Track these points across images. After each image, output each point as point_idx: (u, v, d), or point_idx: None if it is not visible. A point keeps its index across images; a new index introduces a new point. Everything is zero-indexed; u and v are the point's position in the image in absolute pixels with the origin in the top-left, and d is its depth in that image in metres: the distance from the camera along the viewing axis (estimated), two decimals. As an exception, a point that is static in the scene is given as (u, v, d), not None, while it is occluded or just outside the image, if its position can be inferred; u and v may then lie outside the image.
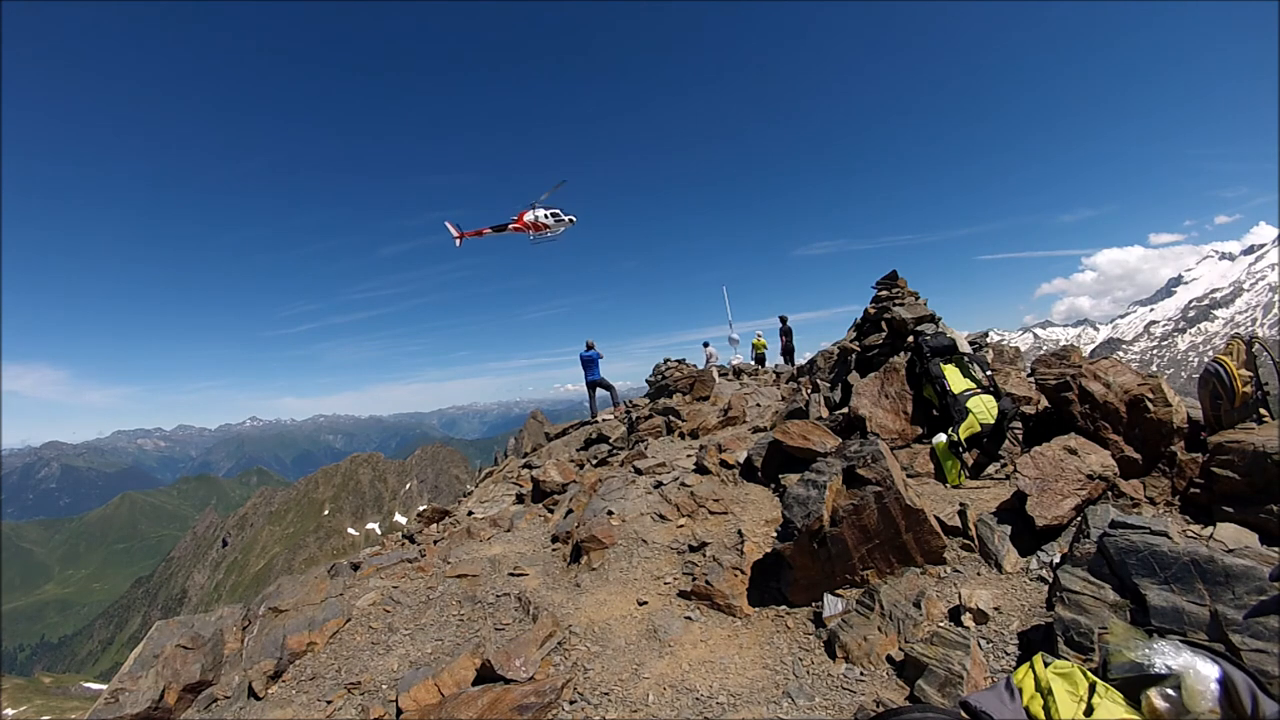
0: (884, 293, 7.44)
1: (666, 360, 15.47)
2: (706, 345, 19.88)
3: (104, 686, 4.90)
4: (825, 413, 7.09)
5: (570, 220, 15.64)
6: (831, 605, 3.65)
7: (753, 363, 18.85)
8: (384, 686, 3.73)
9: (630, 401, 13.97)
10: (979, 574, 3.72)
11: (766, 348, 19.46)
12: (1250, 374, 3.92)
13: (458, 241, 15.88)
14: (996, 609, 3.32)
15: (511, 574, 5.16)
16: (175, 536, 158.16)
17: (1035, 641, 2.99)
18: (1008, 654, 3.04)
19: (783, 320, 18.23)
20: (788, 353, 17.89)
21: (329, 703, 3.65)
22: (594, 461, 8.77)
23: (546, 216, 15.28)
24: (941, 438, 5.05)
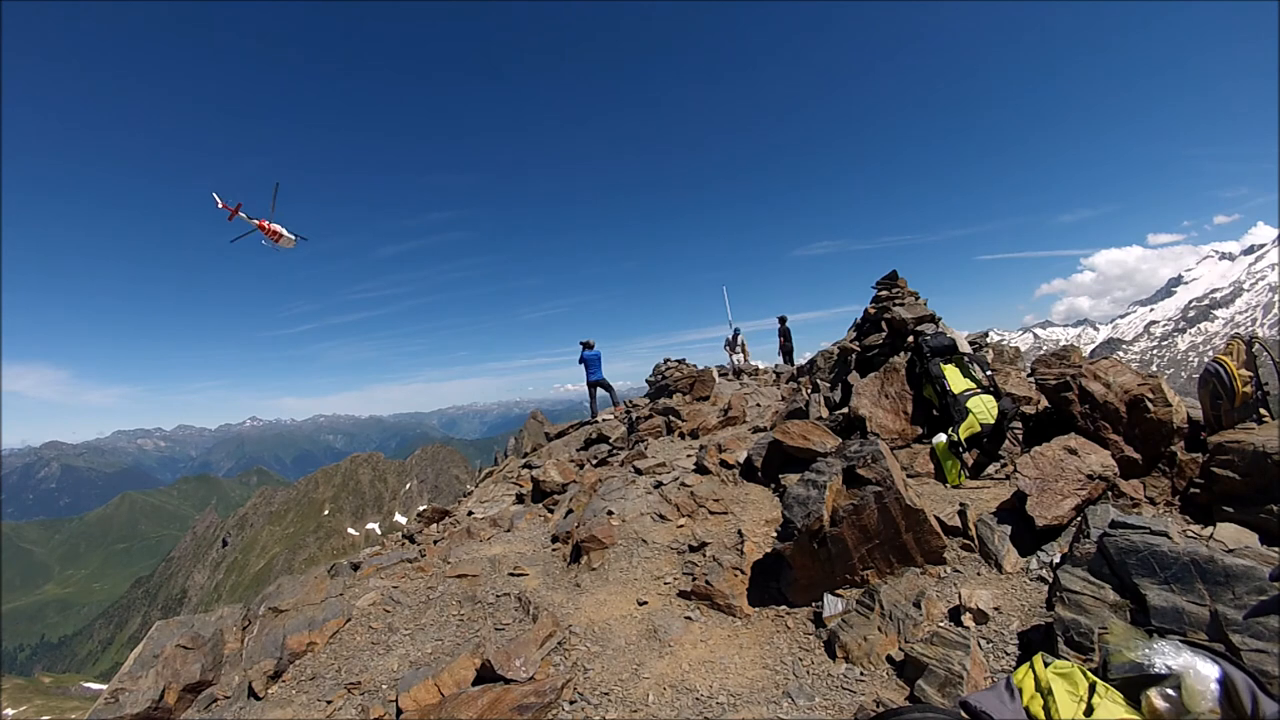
0: (884, 293, 7.44)
1: (666, 360, 15.45)
2: (739, 334, 18.89)
3: (104, 686, 4.90)
4: (825, 413, 7.08)
5: (295, 238, 17.38)
6: (831, 605, 3.65)
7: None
8: (384, 686, 3.72)
9: (630, 401, 13.97)
10: (979, 574, 3.72)
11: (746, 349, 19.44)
12: (1250, 374, 3.91)
13: (219, 204, 16.47)
14: (996, 609, 3.32)
15: (511, 574, 5.16)
16: (175, 536, 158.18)
17: (1035, 641, 2.99)
18: (1008, 654, 3.04)
19: (781, 320, 18.22)
20: (787, 353, 17.89)
21: (329, 703, 3.65)
22: (594, 461, 8.76)
23: (283, 230, 17.07)
24: (941, 438, 5.05)
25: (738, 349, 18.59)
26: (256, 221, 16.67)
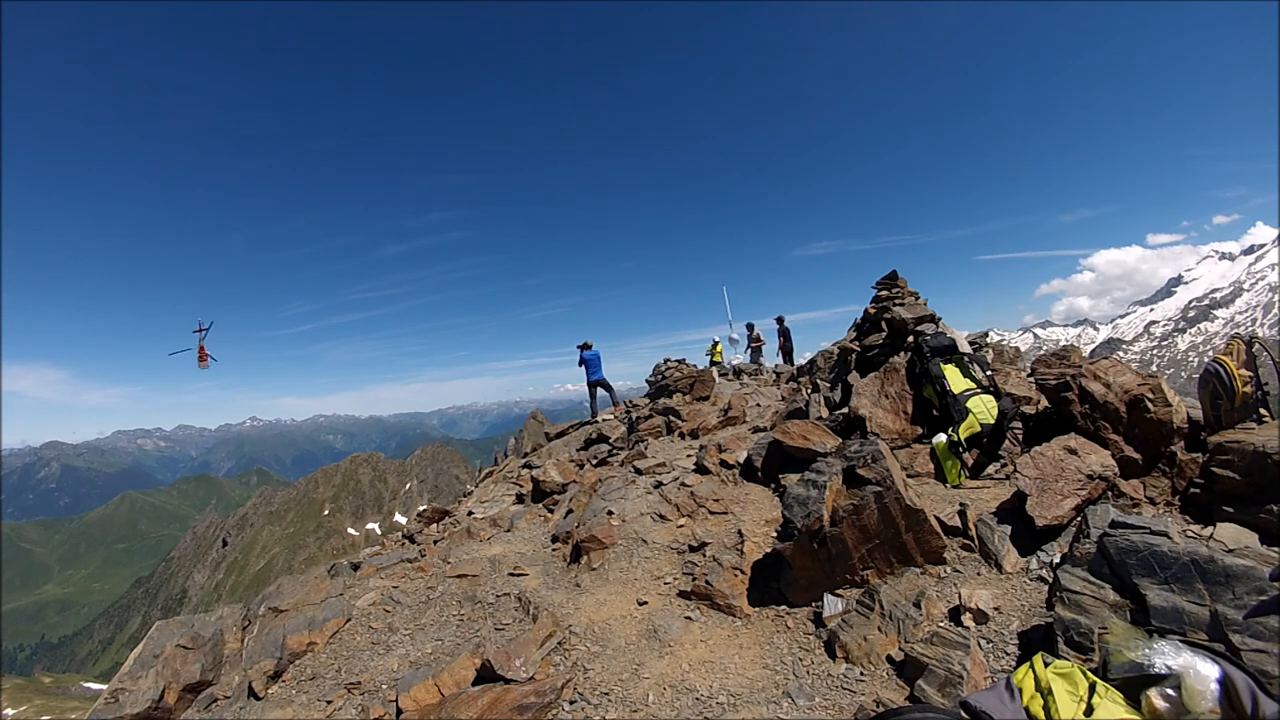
0: (884, 293, 7.44)
1: (666, 360, 15.45)
2: (752, 327, 18.84)
3: (104, 686, 4.90)
4: (825, 413, 7.08)
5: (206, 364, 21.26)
6: (831, 605, 3.65)
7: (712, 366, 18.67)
8: (384, 686, 3.72)
9: (630, 401, 13.97)
10: (979, 574, 3.72)
11: (721, 355, 19.55)
12: (1250, 374, 3.91)
13: (199, 325, 20.45)
14: (996, 609, 3.32)
15: (511, 574, 5.16)
16: (175, 536, 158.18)
17: (1035, 641, 2.99)
18: (1008, 654, 3.04)
19: (780, 321, 18.23)
20: (787, 353, 17.90)
21: (329, 703, 3.65)
22: (594, 461, 8.76)
23: (210, 355, 20.64)
24: (941, 438, 5.05)
25: (753, 343, 18.65)
26: (200, 346, 20.60)
